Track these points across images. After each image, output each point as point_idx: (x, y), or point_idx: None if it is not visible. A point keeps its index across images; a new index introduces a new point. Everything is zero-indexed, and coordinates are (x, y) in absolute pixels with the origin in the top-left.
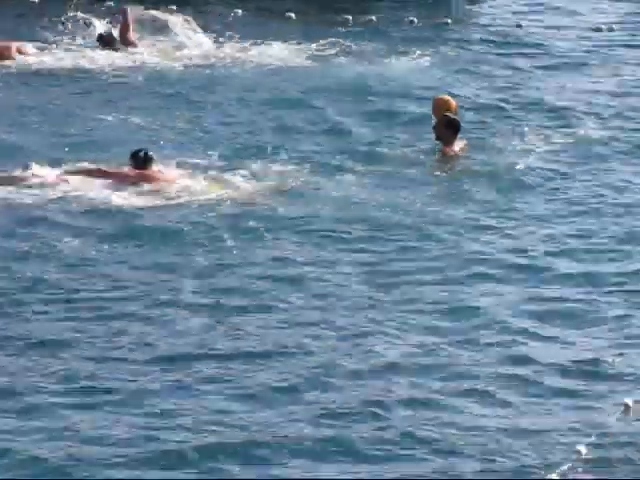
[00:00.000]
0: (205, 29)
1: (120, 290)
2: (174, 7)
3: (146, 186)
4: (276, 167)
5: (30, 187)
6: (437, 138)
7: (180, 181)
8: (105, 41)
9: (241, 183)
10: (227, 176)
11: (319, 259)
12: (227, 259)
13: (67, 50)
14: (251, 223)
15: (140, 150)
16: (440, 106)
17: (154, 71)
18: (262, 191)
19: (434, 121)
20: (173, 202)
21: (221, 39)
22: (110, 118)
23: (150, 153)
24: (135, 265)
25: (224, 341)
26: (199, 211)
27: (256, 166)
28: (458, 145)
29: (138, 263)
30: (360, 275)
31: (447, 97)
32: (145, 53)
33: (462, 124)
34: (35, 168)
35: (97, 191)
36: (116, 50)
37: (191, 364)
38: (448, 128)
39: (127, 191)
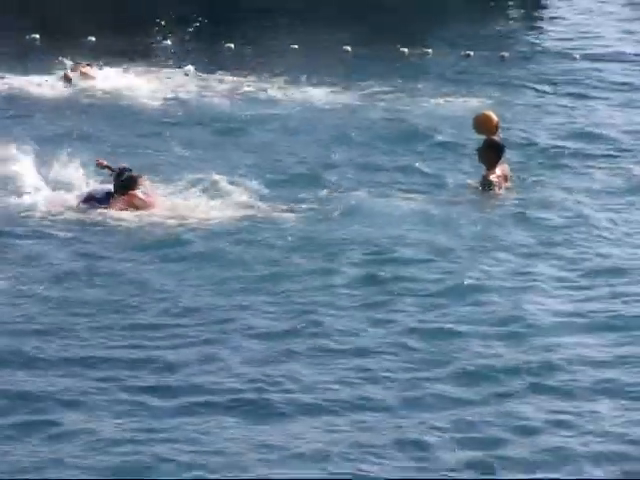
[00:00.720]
0: (263, 64)
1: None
2: (232, 45)
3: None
4: (310, 196)
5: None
6: (480, 160)
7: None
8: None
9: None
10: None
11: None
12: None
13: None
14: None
15: (125, 170)
16: (481, 123)
17: (198, 104)
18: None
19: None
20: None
21: (276, 71)
22: (152, 145)
23: (133, 174)
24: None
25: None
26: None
27: (292, 195)
28: (500, 169)
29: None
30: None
31: (488, 113)
32: (193, 89)
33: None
34: None
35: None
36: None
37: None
38: (490, 151)
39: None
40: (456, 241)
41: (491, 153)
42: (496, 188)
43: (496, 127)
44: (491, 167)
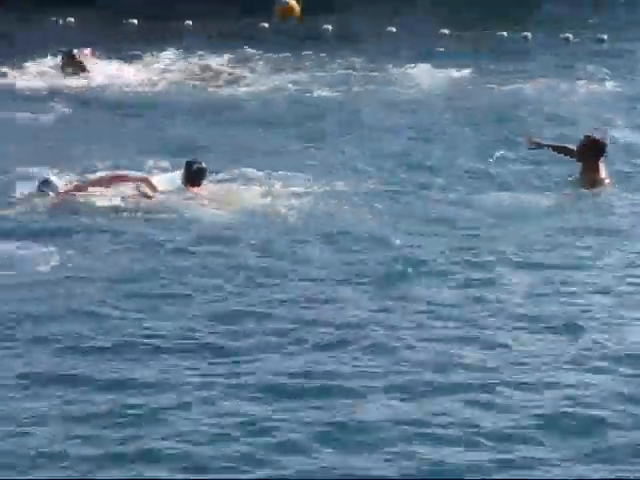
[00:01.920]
0: (358, 49)
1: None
2: (329, 27)
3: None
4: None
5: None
6: (579, 159)
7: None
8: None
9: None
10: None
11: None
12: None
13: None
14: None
15: (194, 162)
16: None
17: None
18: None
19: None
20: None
21: (375, 56)
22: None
23: (202, 166)
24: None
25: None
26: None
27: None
28: (604, 167)
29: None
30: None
31: None
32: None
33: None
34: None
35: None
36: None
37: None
38: (591, 150)
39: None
40: (540, 239)
41: (591, 152)
42: (600, 187)
43: None
44: (594, 166)
